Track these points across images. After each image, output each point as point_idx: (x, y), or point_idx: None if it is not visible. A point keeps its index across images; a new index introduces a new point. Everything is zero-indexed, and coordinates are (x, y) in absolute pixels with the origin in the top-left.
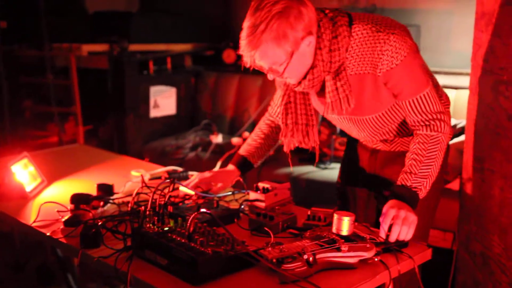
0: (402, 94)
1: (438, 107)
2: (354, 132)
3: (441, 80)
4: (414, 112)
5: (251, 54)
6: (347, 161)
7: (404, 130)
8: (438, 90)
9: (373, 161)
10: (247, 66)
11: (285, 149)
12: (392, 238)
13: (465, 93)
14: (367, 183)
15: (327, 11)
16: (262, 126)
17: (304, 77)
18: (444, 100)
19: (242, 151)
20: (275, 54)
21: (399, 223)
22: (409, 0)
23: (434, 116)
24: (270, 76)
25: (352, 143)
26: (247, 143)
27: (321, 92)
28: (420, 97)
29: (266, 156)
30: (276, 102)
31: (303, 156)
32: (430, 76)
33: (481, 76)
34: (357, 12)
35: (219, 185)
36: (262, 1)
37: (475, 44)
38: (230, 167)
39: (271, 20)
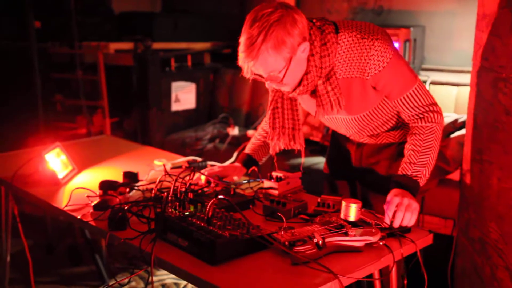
0: (393, 94)
1: (429, 99)
2: (342, 130)
3: (444, 77)
4: (408, 108)
5: (251, 65)
6: (334, 154)
7: (389, 124)
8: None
9: (359, 154)
10: (247, 76)
11: (271, 151)
12: (396, 224)
13: (466, 90)
14: (353, 175)
15: (314, 20)
16: (265, 126)
17: (299, 84)
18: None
19: (247, 149)
20: (275, 61)
21: (402, 210)
22: (415, 2)
23: (427, 109)
24: (268, 84)
25: (336, 138)
26: (252, 142)
27: (312, 96)
28: (410, 93)
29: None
30: None
31: (315, 147)
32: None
33: (482, 74)
34: (341, 20)
35: (235, 177)
36: (258, 13)
37: (476, 44)
38: (237, 164)
39: (270, 29)
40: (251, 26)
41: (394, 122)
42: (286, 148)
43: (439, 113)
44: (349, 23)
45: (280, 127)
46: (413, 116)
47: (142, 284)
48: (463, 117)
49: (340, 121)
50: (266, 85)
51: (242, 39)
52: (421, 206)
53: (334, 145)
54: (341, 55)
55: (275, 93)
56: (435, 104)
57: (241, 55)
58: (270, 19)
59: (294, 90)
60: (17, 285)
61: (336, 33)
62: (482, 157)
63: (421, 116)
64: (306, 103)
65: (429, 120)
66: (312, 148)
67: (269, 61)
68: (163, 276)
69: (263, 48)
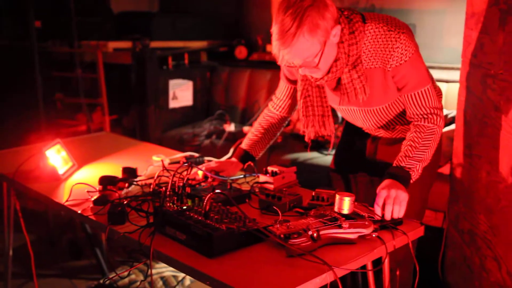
0: (405, 88)
1: (436, 103)
2: (359, 122)
3: (435, 74)
4: (415, 105)
5: (285, 52)
6: (347, 148)
7: (406, 119)
8: (434, 84)
9: (373, 147)
10: (282, 64)
11: (306, 138)
12: (387, 217)
13: (456, 86)
14: (367, 169)
15: (342, 10)
16: (262, 122)
17: (328, 71)
18: (438, 92)
19: (243, 145)
20: (312, 45)
21: (390, 203)
22: (405, 1)
23: (432, 111)
24: (302, 71)
25: (351, 131)
26: (248, 137)
27: (336, 86)
28: (422, 91)
29: (271, 144)
30: (280, 96)
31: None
32: (430, 74)
33: (471, 71)
34: (367, 12)
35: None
36: (291, 0)
37: (465, 41)
38: (234, 159)
39: (304, 14)
40: (285, 13)
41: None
42: (317, 135)
43: (442, 118)
44: (376, 15)
45: (313, 115)
46: (417, 114)
47: (141, 277)
48: (452, 112)
49: (358, 113)
50: (301, 72)
51: (276, 28)
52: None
53: (346, 139)
54: (366, 45)
55: (305, 82)
56: (441, 109)
57: (275, 43)
58: (303, 4)
59: (322, 77)
60: (20, 279)
61: (363, 23)
62: (472, 151)
63: (425, 116)
64: (329, 93)
65: (432, 121)
66: (306, 144)
67: (305, 46)
68: (162, 269)
69: (298, 33)
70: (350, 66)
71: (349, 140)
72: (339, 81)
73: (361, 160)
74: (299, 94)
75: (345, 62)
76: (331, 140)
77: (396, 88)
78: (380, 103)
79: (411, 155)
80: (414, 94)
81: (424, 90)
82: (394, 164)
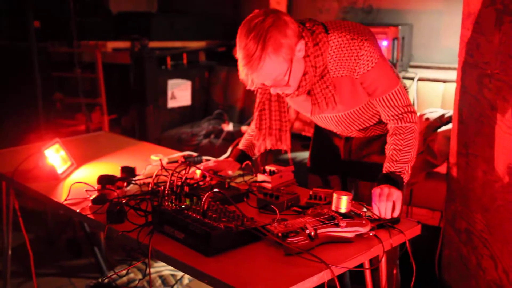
0: (376, 92)
1: (406, 100)
2: (331, 126)
3: (431, 74)
4: (388, 107)
5: (254, 76)
6: (318, 148)
7: (377, 118)
8: (401, 81)
9: (347, 147)
10: (252, 88)
11: (256, 151)
12: (381, 214)
13: (453, 86)
14: (342, 168)
15: (303, 22)
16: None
17: (298, 86)
18: (405, 87)
19: (240, 145)
20: (278, 64)
21: (384, 201)
22: (403, 1)
23: (405, 110)
24: (273, 91)
25: (321, 132)
26: (245, 138)
27: (306, 95)
28: (392, 93)
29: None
30: None
31: (306, 142)
32: (396, 73)
33: (467, 70)
34: (329, 20)
35: (230, 171)
36: (251, 22)
37: (462, 41)
38: (231, 159)
39: (267, 36)
40: (247, 37)
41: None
42: (272, 148)
43: (415, 113)
44: (337, 23)
45: (267, 128)
46: (392, 116)
47: (140, 276)
48: (449, 112)
49: (329, 119)
50: (272, 92)
51: (241, 53)
52: (410, 198)
53: (318, 140)
54: (331, 55)
55: (262, 95)
56: (411, 104)
57: (242, 68)
58: (264, 26)
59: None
60: (19, 278)
61: (326, 33)
62: (468, 150)
63: (400, 116)
64: (298, 104)
65: (408, 120)
66: (304, 143)
67: (273, 66)
68: (161, 267)
69: (264, 55)
70: (318, 77)
71: (322, 141)
72: (309, 92)
73: (336, 159)
74: (255, 106)
75: (313, 74)
76: (288, 154)
77: (366, 93)
78: (350, 107)
79: (397, 159)
80: (385, 97)
81: (394, 91)
82: (384, 171)
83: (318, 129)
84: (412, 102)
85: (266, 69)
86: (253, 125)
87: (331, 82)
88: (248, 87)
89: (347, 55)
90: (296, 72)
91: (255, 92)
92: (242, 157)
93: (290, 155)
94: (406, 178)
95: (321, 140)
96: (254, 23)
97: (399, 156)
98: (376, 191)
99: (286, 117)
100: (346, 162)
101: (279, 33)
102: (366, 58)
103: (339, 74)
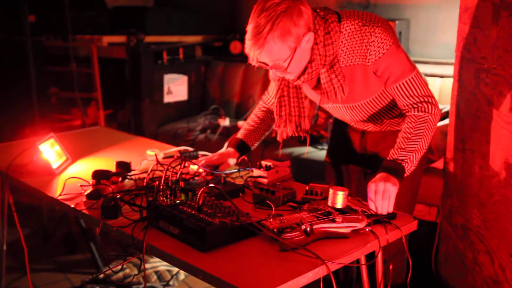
0: (390, 80)
1: (425, 91)
2: (347, 118)
3: (429, 69)
4: (403, 96)
5: (257, 53)
6: (335, 142)
7: (393, 112)
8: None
9: (364, 141)
10: (253, 63)
11: (278, 138)
12: (378, 211)
13: (450, 81)
14: (358, 162)
15: (318, 10)
16: (257, 112)
17: (303, 72)
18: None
19: (240, 135)
20: (281, 50)
21: (379, 197)
22: None
23: (422, 99)
24: (272, 73)
25: (339, 126)
26: (244, 127)
27: (317, 84)
28: (407, 81)
29: (265, 137)
30: (271, 93)
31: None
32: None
33: (464, 65)
34: (344, 10)
35: (231, 160)
36: (266, 3)
37: (459, 36)
38: (230, 149)
39: (277, 19)
40: (259, 16)
41: (398, 109)
42: (293, 135)
43: (435, 105)
44: (351, 13)
45: (287, 115)
46: (407, 105)
47: (135, 271)
48: (446, 107)
49: (344, 109)
50: (270, 73)
51: (250, 27)
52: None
53: (336, 133)
54: (343, 43)
55: (281, 82)
56: (431, 96)
57: (247, 42)
58: (277, 9)
59: (298, 78)
60: (14, 273)
61: (339, 22)
62: (465, 146)
63: (415, 106)
64: (309, 92)
65: (423, 110)
66: (300, 138)
67: (275, 50)
68: (157, 263)
69: (269, 37)
70: (327, 66)
71: (339, 134)
72: (319, 80)
73: (353, 153)
74: (274, 93)
75: (321, 62)
76: (307, 140)
77: (381, 81)
78: (363, 98)
79: (403, 147)
80: (400, 85)
81: (409, 79)
82: (388, 157)
83: (336, 122)
84: None
85: (268, 50)
86: (253, 114)
87: (340, 71)
88: (249, 62)
89: (358, 42)
90: (297, 61)
91: (269, 78)
92: (241, 146)
93: (308, 142)
94: (409, 167)
95: (338, 134)
96: (269, 4)
97: (405, 144)
98: (371, 186)
99: (303, 103)
100: (362, 155)
101: (289, 20)
102: (377, 44)
103: (351, 62)
